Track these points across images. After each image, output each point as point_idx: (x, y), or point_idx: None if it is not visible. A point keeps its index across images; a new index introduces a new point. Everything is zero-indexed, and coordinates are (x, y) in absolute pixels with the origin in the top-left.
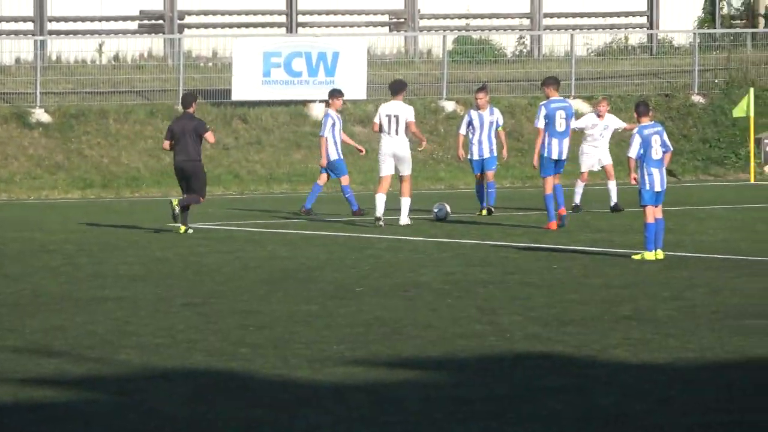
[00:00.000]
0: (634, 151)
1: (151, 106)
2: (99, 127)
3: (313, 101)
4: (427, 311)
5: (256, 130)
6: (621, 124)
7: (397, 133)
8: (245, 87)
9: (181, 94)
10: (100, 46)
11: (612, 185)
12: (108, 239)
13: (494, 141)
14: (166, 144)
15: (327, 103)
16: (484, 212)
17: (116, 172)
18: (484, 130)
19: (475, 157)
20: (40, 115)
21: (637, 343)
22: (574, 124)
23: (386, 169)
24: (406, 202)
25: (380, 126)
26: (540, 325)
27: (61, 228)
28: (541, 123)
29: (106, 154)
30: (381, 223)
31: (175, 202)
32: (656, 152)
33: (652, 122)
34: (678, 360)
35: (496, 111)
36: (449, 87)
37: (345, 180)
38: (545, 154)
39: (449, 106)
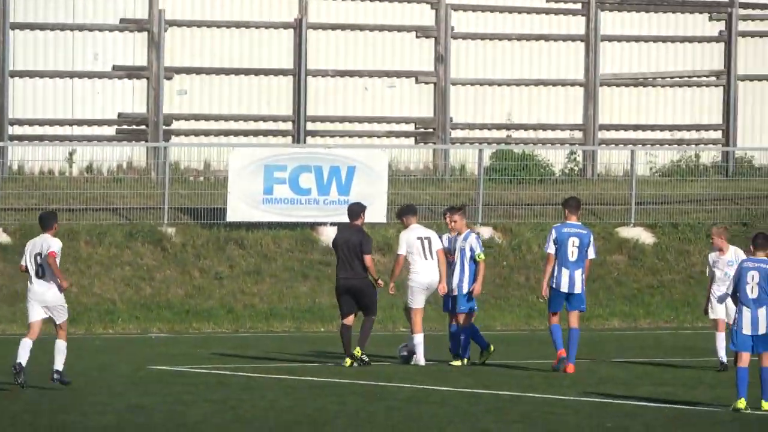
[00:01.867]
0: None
1: (130, 227)
2: (68, 251)
3: (323, 224)
4: None
5: (255, 258)
6: None
7: (433, 257)
8: (242, 206)
9: (166, 213)
10: (71, 154)
11: None
12: (76, 383)
13: (466, 273)
14: None
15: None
16: (456, 362)
17: (87, 304)
18: (456, 260)
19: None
20: None
21: None
22: None
23: (419, 302)
24: (419, 339)
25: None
26: None
27: None
28: (550, 248)
29: (76, 282)
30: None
31: (358, 353)
32: (752, 290)
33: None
34: None
35: (471, 236)
36: (486, 210)
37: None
38: (553, 285)
39: (485, 232)
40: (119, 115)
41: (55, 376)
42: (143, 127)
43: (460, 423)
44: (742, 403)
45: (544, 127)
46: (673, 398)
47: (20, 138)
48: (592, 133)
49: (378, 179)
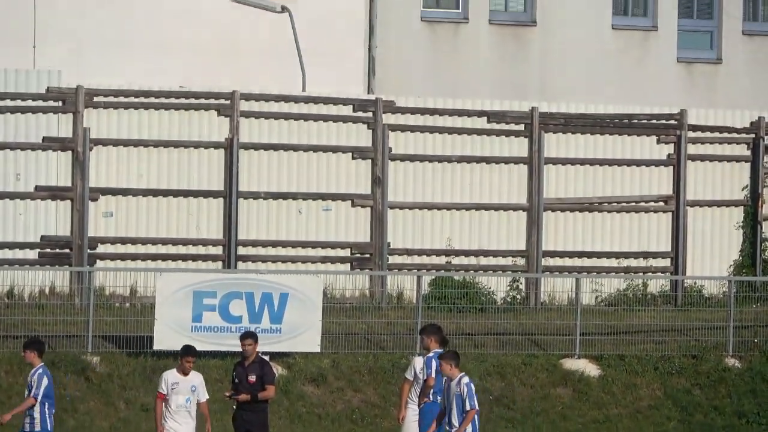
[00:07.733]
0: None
1: (53, 356)
2: None
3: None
4: None
5: None
6: None
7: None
8: (171, 334)
9: (90, 341)
10: None
11: None
12: None
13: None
14: None
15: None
16: None
17: None
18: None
19: None
20: None
21: None
22: None
23: None
24: None
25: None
26: None
27: None
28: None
29: None
30: None
31: None
32: None
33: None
34: None
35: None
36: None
37: None
38: None
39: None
40: (42, 237)
41: None
42: (67, 250)
43: None
44: None
45: (485, 253)
46: None
47: None
48: (535, 259)
49: (312, 307)
